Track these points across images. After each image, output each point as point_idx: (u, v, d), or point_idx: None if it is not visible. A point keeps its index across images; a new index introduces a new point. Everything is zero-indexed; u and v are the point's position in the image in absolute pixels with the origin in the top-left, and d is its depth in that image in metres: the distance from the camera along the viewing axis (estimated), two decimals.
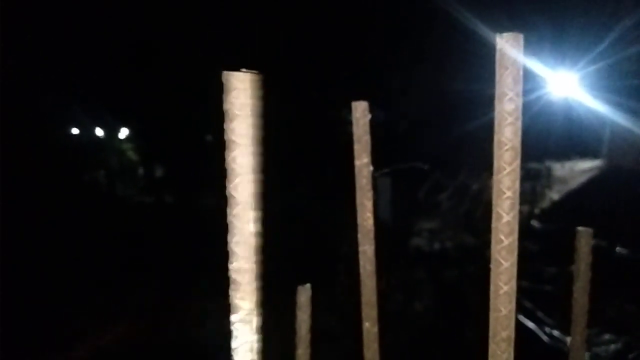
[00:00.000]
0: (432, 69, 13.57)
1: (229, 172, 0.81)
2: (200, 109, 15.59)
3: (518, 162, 0.96)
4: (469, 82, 11.01)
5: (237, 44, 13.19)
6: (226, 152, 0.81)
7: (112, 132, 21.89)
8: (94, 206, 15.05)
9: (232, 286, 0.82)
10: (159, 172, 20.26)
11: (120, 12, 15.34)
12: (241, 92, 0.79)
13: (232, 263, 0.82)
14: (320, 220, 11.53)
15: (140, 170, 21.74)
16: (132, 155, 22.23)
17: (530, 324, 7.24)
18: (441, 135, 13.40)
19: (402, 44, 13.86)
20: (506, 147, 0.95)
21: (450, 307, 8.38)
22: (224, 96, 0.81)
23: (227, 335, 0.85)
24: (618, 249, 9.20)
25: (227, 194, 0.81)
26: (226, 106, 0.80)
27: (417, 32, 13.59)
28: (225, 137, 0.81)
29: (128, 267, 9.98)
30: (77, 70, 15.85)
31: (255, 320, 0.84)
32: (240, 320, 0.82)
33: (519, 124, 0.95)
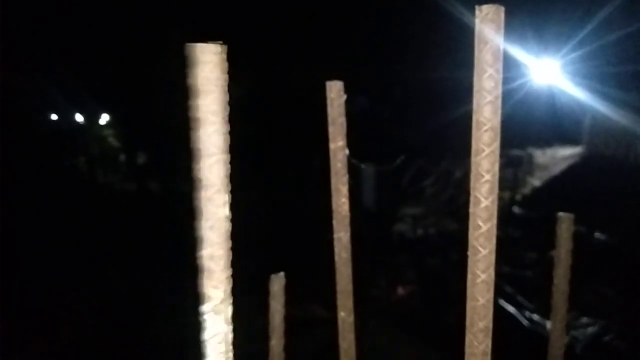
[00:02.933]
0: (416, 56, 13.53)
1: (195, 152, 0.74)
2: (182, 92, 15.35)
3: (497, 143, 0.91)
4: (453, 68, 10.98)
5: (218, 18, 12.99)
6: (192, 131, 0.74)
7: (92, 118, 21.53)
8: (74, 193, 14.81)
9: (203, 274, 0.76)
10: (140, 159, 19.99)
11: None
12: (210, 66, 0.72)
13: (203, 249, 0.75)
14: (302, 206, 11.48)
15: (122, 157, 21.43)
16: (113, 141, 21.90)
17: (511, 309, 7.31)
18: (424, 122, 13.40)
19: (386, 30, 13.79)
20: (485, 128, 0.89)
21: (433, 292, 8.43)
22: (188, 70, 0.74)
23: (198, 326, 0.79)
24: (597, 234, 9.31)
25: (195, 176, 0.75)
26: (190, 81, 0.73)
27: (401, 19, 13.52)
28: (191, 115, 0.74)
29: (107, 255, 9.86)
30: (56, 55, 15.52)
31: (227, 310, 0.78)
32: (212, 311, 0.76)
33: (499, 102, 0.89)
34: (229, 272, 0.77)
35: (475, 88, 0.89)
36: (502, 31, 0.86)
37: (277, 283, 1.42)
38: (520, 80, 11.65)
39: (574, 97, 12.00)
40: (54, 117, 20.80)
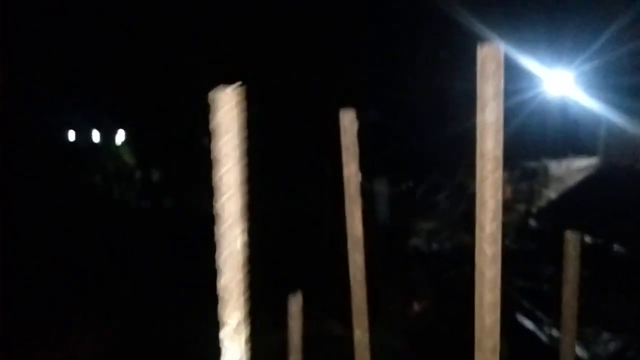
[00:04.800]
0: (429, 67, 13.58)
1: (215, 190, 0.81)
2: (197, 112, 15.57)
3: (500, 171, 0.96)
4: (466, 80, 11.00)
5: (229, 47, 13.19)
6: (213, 171, 0.81)
7: (108, 136, 21.87)
8: (90, 210, 15.01)
9: (220, 303, 0.83)
10: (155, 177, 20.24)
11: (117, 16, 15.34)
12: (227, 113, 0.79)
13: (219, 280, 0.82)
14: (316, 223, 11.52)
15: (137, 174, 21.70)
16: (128, 159, 22.19)
17: (529, 323, 7.24)
18: (438, 135, 13.41)
19: (399, 41, 13.87)
20: (488, 157, 0.94)
21: (448, 307, 8.37)
22: (211, 115, 0.80)
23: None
24: (615, 247, 9.20)
25: (215, 212, 0.81)
26: (212, 125, 0.80)
27: (413, 30, 13.61)
28: (212, 155, 0.81)
29: (124, 272, 9.96)
30: (75, 74, 15.84)
31: (243, 334, 0.84)
32: (228, 336, 0.82)
33: (501, 134, 0.94)
34: (245, 297, 0.84)
35: (478, 120, 0.94)
36: (502, 67, 0.92)
37: (295, 303, 1.47)
38: (534, 91, 11.65)
39: (589, 107, 11.95)
40: (71, 134, 21.18)
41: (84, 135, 21.29)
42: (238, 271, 0.81)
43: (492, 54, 0.91)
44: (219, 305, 0.82)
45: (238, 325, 0.82)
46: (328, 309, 6.03)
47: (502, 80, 0.93)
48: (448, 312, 8.19)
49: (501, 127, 0.94)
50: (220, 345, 0.84)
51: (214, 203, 0.82)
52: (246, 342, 0.83)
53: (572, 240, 1.47)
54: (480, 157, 0.95)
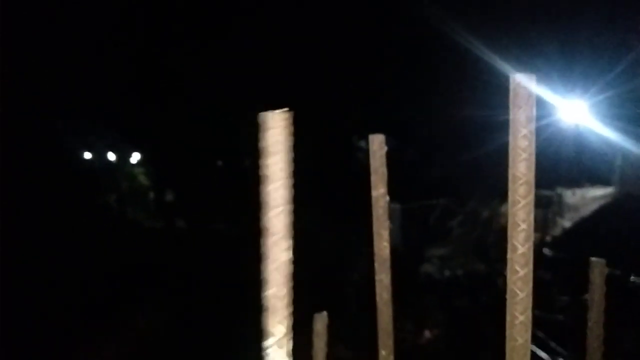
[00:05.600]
0: (443, 97, 13.67)
1: (264, 205, 0.86)
2: (211, 135, 15.76)
3: (532, 195, 1.00)
4: (480, 109, 11.07)
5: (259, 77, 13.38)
6: (262, 187, 0.87)
7: (124, 156, 22.14)
8: (105, 230, 15.13)
9: (267, 312, 0.86)
10: (169, 197, 20.40)
11: (135, 39, 15.69)
12: (276, 131, 0.85)
13: (267, 290, 0.86)
14: (332, 247, 11.50)
15: (151, 195, 21.89)
16: (143, 179, 22.42)
17: (543, 354, 7.13)
18: (452, 162, 13.42)
19: (414, 72, 14.00)
20: (520, 182, 0.99)
21: (461, 334, 8.28)
22: (260, 134, 0.87)
23: None
24: (632, 277, 9.08)
25: (262, 226, 0.86)
26: (262, 144, 0.86)
27: (429, 61, 13.74)
28: (261, 173, 0.87)
29: (137, 292, 9.99)
30: (91, 95, 16.12)
31: (289, 345, 0.87)
32: (275, 345, 0.86)
33: (533, 159, 0.99)
34: (291, 309, 0.87)
35: (511, 146, 1.00)
36: (534, 96, 0.98)
37: (321, 322, 1.50)
38: (549, 120, 11.65)
39: (604, 137, 11.91)
40: (87, 155, 21.48)
41: (99, 155, 21.58)
42: (284, 284, 0.85)
43: (524, 82, 0.97)
44: (265, 315, 0.86)
45: (283, 337, 0.86)
46: (348, 334, 6.00)
47: (534, 108, 0.98)
48: (460, 339, 8.10)
49: (533, 152, 0.98)
50: (263, 355, 0.87)
51: (262, 217, 0.86)
52: (289, 354, 0.87)
53: (597, 265, 1.49)
54: (512, 182, 0.99)
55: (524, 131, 0.98)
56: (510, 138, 1.00)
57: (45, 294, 8.62)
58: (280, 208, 0.85)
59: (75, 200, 16.07)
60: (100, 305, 8.98)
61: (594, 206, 13.70)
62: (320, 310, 1.62)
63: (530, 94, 0.98)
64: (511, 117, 0.99)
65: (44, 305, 8.28)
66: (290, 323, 0.86)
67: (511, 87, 0.99)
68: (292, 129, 0.86)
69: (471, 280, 10.98)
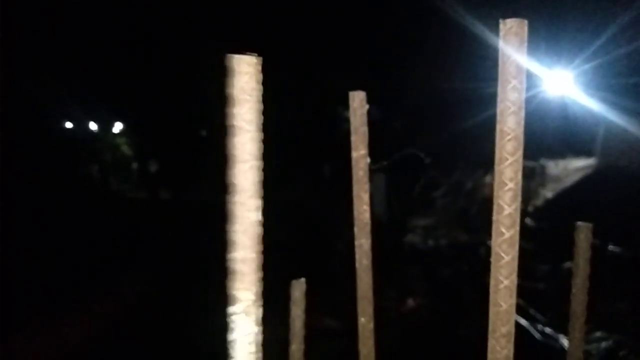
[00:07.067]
0: (429, 67, 13.57)
1: (231, 158, 0.77)
2: (194, 103, 15.52)
3: (521, 152, 0.93)
4: (466, 80, 11.01)
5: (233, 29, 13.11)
6: (229, 138, 0.78)
7: (106, 126, 21.77)
8: (87, 201, 14.96)
9: (233, 276, 0.79)
10: (153, 167, 20.17)
11: (112, 5, 15.25)
12: (247, 76, 0.76)
13: (233, 252, 0.78)
14: (316, 214, 11.50)
15: (134, 165, 21.63)
16: (126, 149, 22.12)
17: (524, 322, 7.25)
18: (436, 133, 13.40)
19: (399, 41, 13.84)
20: (509, 137, 0.92)
21: (444, 304, 8.38)
22: (228, 80, 0.77)
23: (222, 329, 0.81)
24: (611, 246, 9.22)
25: (229, 181, 0.78)
26: (230, 90, 0.77)
27: (414, 30, 13.57)
28: (228, 123, 0.78)
29: (120, 262, 9.94)
30: (71, 63, 15.75)
31: (258, 312, 0.80)
32: (242, 312, 0.78)
33: (522, 113, 0.92)
34: (260, 274, 0.80)
35: (499, 98, 0.92)
36: (525, 44, 0.90)
37: (298, 289, 1.44)
38: (532, 91, 11.62)
39: (587, 107, 11.94)
40: (68, 125, 21.06)
41: (81, 125, 21.19)
42: (252, 247, 0.77)
43: (515, 29, 0.88)
44: (231, 279, 0.78)
45: (254, 300, 0.78)
46: (331, 301, 6.00)
47: (525, 57, 0.90)
48: (443, 308, 8.20)
49: (523, 105, 0.91)
50: (229, 321, 0.80)
51: (228, 171, 0.78)
52: (258, 322, 0.80)
53: (583, 230, 1.45)
54: (500, 138, 0.92)
55: (513, 82, 0.90)
56: (499, 89, 0.92)
57: (27, 265, 8.53)
58: (249, 164, 0.77)
59: (56, 170, 15.83)
60: (83, 274, 8.92)
61: (576, 177, 13.84)
62: (301, 277, 1.57)
63: (521, 41, 0.90)
64: (500, 66, 0.91)
65: (27, 275, 8.19)
66: (260, 289, 0.79)
67: (501, 33, 0.91)
68: (261, 76, 0.77)
69: (454, 250, 11.09)
